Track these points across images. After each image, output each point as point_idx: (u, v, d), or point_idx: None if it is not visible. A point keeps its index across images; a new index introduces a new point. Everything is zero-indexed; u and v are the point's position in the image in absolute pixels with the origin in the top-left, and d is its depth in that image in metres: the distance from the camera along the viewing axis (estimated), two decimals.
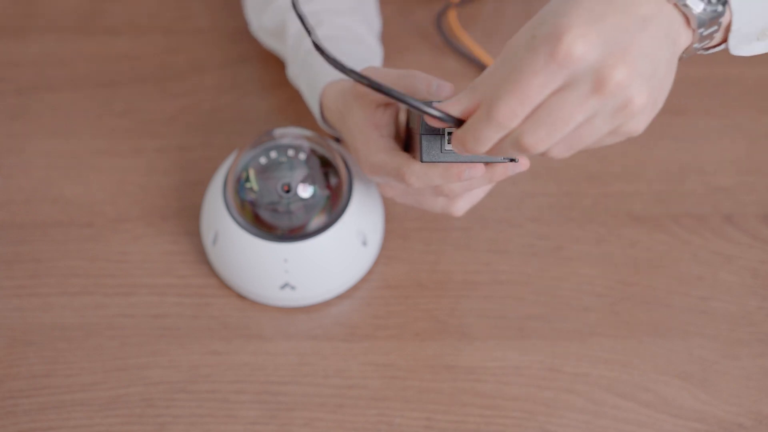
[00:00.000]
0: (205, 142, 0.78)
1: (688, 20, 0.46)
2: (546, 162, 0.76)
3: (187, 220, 0.73)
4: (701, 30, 0.47)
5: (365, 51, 0.71)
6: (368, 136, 0.60)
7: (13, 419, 0.64)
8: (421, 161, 0.54)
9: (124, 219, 0.74)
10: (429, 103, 0.49)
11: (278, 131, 0.68)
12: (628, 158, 0.77)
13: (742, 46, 0.51)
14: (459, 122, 0.49)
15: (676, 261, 0.72)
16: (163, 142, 0.78)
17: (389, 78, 0.58)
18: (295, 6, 0.56)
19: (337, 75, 0.66)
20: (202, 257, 0.72)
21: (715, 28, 0.48)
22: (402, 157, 0.57)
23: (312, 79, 0.68)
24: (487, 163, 0.55)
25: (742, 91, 0.81)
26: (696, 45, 0.48)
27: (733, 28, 0.49)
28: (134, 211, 0.74)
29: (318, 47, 0.52)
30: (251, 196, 0.66)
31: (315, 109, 0.68)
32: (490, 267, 0.71)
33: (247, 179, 0.66)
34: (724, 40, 0.50)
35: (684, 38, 0.47)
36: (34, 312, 0.69)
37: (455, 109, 0.49)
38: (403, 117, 0.62)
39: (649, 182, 0.76)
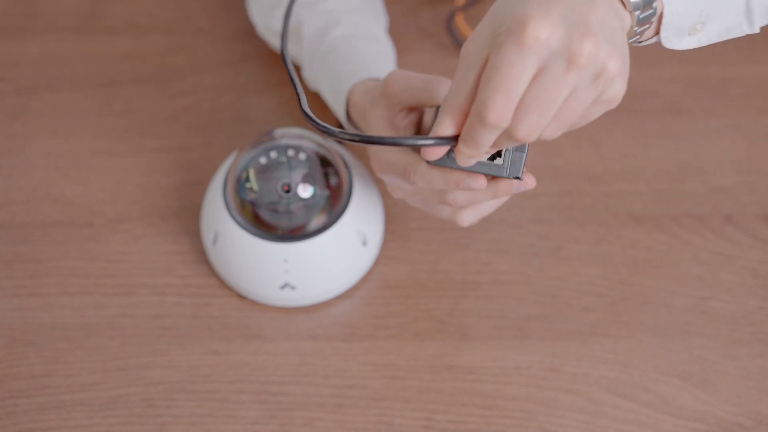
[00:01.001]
0: (205, 142, 0.78)
1: (624, 3, 0.49)
2: (546, 162, 0.76)
3: (187, 220, 0.73)
4: (638, 13, 0.49)
5: (381, 48, 0.71)
6: (383, 133, 0.60)
7: (13, 419, 0.64)
8: (426, 162, 0.54)
9: (124, 219, 0.74)
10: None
11: (278, 131, 0.68)
12: (628, 158, 0.77)
13: (674, 39, 0.53)
14: (456, 139, 0.51)
15: (676, 261, 0.72)
16: (163, 142, 0.78)
17: (416, 81, 0.59)
18: (285, 63, 0.60)
19: (365, 74, 0.66)
20: (202, 257, 0.72)
21: (650, 11, 0.50)
22: (411, 157, 0.57)
23: (335, 79, 0.68)
24: (491, 178, 0.55)
25: (742, 91, 0.81)
26: (636, 29, 0.50)
27: (665, 20, 0.51)
28: (134, 211, 0.74)
29: (307, 114, 0.55)
30: (251, 196, 0.66)
31: (340, 108, 0.68)
32: (490, 267, 0.71)
33: (247, 179, 0.66)
34: (658, 31, 0.53)
35: (627, 19, 0.50)
36: (34, 312, 0.69)
37: (445, 131, 0.50)
38: (428, 119, 0.62)
39: (649, 182, 0.76)
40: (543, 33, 0.45)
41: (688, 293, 0.70)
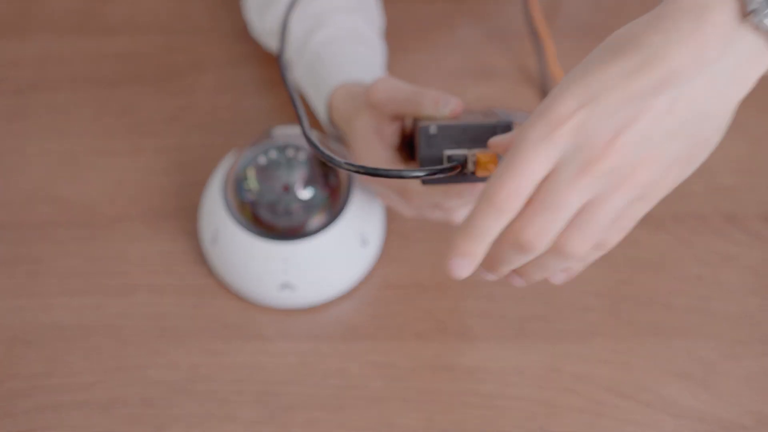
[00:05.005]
0: (205, 142, 0.78)
1: None
2: None
3: (187, 220, 0.73)
4: None
5: (367, 50, 0.71)
6: (371, 144, 0.60)
7: (12, 419, 0.64)
8: (423, 183, 0.54)
9: (124, 219, 0.74)
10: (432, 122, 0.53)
11: (278, 131, 0.68)
12: None
13: None
14: (450, 169, 0.51)
15: (676, 261, 0.71)
16: (163, 142, 0.78)
17: (402, 92, 0.58)
18: (285, 81, 0.59)
19: (346, 77, 0.66)
20: (201, 257, 0.71)
21: None
22: None
23: (318, 81, 0.68)
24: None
25: None
26: None
27: None
28: (133, 210, 0.74)
29: (308, 138, 0.54)
30: (250, 196, 0.66)
31: (321, 110, 0.68)
32: None
33: (247, 179, 0.66)
34: None
35: (763, 64, 0.41)
36: (34, 312, 0.69)
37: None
38: (409, 124, 0.62)
39: None
40: (562, 131, 0.39)
41: (688, 293, 0.70)
